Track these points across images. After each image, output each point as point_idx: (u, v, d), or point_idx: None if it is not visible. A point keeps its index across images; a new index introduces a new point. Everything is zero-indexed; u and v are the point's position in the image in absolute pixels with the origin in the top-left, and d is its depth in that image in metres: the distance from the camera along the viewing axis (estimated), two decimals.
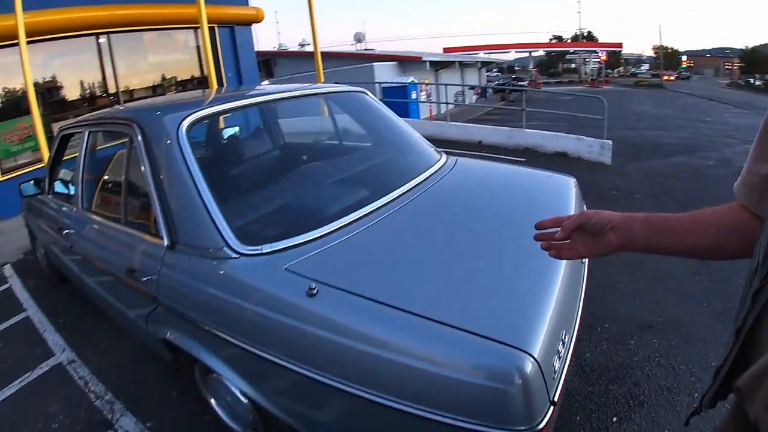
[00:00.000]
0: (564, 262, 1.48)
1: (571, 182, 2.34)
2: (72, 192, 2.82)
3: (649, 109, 19.90)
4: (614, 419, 2.10)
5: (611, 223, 0.87)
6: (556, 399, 1.15)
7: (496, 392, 1.06)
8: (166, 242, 1.73)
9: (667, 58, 58.26)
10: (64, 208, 2.85)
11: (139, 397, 2.50)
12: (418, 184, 2.15)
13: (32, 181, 3.34)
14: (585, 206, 2.39)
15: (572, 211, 1.96)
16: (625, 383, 2.32)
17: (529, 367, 1.06)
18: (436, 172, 2.33)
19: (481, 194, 2.26)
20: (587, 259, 1.95)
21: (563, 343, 1.29)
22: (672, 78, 50.85)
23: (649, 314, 2.90)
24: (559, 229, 0.89)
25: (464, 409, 1.09)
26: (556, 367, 1.21)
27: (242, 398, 1.75)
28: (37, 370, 2.88)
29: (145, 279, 1.83)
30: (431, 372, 1.12)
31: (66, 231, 2.66)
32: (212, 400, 2.04)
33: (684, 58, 65.76)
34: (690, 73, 60.49)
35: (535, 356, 1.08)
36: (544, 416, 1.10)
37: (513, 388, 1.05)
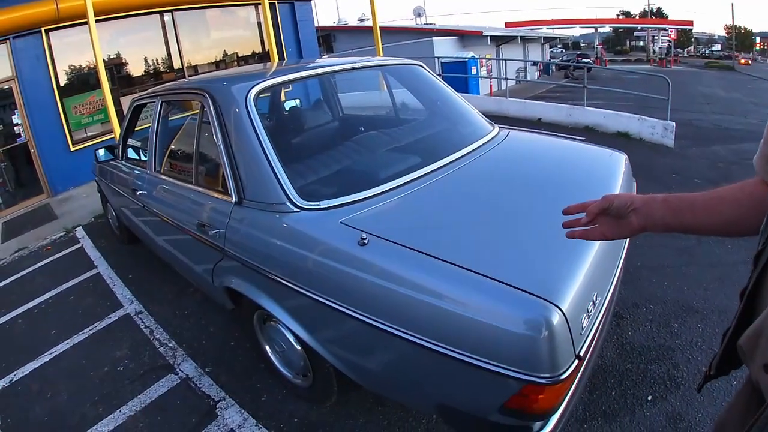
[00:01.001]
0: None
1: (622, 158, 2.32)
2: (144, 157, 3.05)
3: (718, 92, 18.68)
4: (649, 398, 2.11)
5: (632, 206, 0.90)
6: (581, 354, 1.23)
7: (524, 338, 1.16)
8: (234, 199, 1.91)
9: (739, 38, 53.78)
10: (137, 172, 3.09)
11: (200, 345, 2.74)
12: (469, 152, 2.22)
13: (104, 149, 3.60)
14: (635, 183, 2.37)
15: (619, 187, 1.97)
16: (664, 364, 2.31)
17: (556, 318, 1.14)
18: (487, 142, 2.39)
19: (529, 164, 2.31)
20: None
21: (594, 304, 1.35)
22: (749, 61, 45.88)
23: (696, 299, 2.85)
24: (585, 213, 0.94)
25: (496, 353, 1.19)
26: (585, 325, 1.28)
27: (296, 345, 1.93)
28: (106, 319, 3.18)
29: (213, 232, 2.02)
30: (468, 317, 1.22)
31: (139, 192, 2.90)
32: (267, 348, 2.23)
33: (757, 39, 60.45)
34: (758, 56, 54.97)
35: (563, 309, 1.16)
36: (568, 368, 1.18)
37: (539, 335, 1.14)
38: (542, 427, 1.29)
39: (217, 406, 2.24)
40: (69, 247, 4.73)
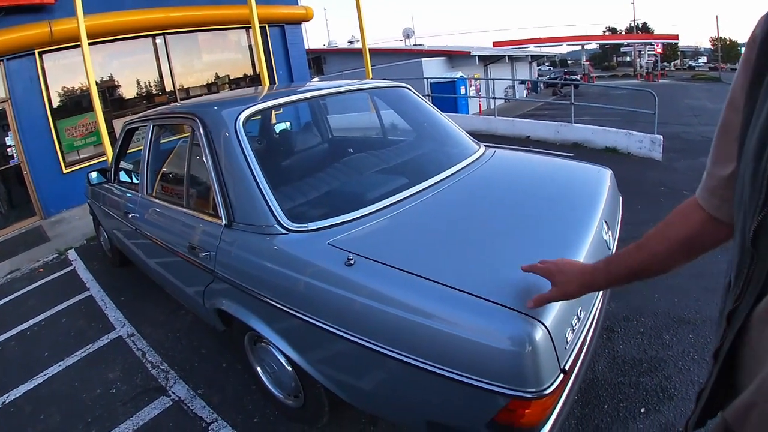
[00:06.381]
0: (586, 244, 1.58)
1: (607, 174, 2.36)
2: (136, 180, 3.07)
3: (706, 104, 18.94)
4: (642, 410, 2.11)
5: (569, 281, 1.05)
6: (566, 368, 1.25)
7: (508, 354, 1.17)
8: (224, 221, 1.94)
9: (725, 50, 54.67)
10: (129, 195, 3.11)
11: (192, 367, 2.74)
12: (455, 172, 2.26)
13: (97, 172, 3.63)
14: (621, 198, 2.41)
15: (604, 202, 1.98)
16: (656, 376, 2.32)
17: (539, 333, 1.16)
18: (473, 162, 2.43)
19: (514, 183, 2.34)
20: (615, 243, 1.99)
21: (578, 318, 1.38)
22: None
23: (686, 310, 2.87)
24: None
25: (482, 369, 1.20)
26: (569, 339, 1.30)
27: (287, 366, 1.93)
28: (98, 342, 3.18)
29: (204, 254, 2.04)
30: (453, 334, 1.24)
31: (131, 215, 2.91)
32: (258, 369, 2.22)
33: (743, 50, 61.41)
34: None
35: (546, 324, 1.18)
36: (553, 382, 1.19)
37: (523, 350, 1.15)
38: None
39: (210, 428, 2.23)
40: (61, 269, 4.73)
